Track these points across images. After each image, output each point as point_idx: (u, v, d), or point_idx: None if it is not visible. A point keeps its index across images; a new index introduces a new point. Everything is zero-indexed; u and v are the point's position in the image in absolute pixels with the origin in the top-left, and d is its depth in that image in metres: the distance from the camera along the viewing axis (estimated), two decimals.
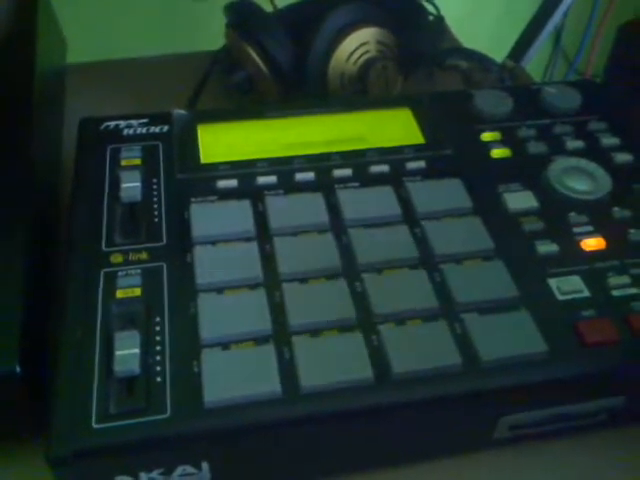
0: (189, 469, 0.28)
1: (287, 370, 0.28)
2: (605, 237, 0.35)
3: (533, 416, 0.30)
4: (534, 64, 0.95)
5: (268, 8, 0.52)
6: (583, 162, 0.38)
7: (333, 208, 0.35)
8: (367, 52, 0.49)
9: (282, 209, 0.35)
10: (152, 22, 0.67)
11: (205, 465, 0.28)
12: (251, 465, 0.29)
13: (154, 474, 0.27)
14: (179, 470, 0.28)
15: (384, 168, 0.38)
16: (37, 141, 0.38)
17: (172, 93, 0.51)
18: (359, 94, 0.49)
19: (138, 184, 0.36)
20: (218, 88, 0.53)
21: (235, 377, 0.28)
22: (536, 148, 0.39)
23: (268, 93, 0.50)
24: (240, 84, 0.50)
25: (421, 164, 0.38)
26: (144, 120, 0.40)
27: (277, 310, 0.31)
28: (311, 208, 0.35)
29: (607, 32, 0.98)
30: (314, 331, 0.30)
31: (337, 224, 0.35)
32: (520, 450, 0.32)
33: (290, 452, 0.29)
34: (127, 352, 0.28)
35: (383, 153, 0.39)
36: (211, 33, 0.54)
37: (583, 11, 1.04)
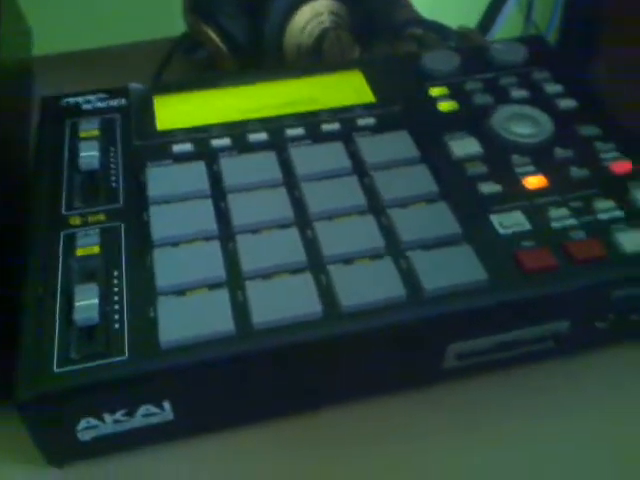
0: (152, 409, 0.29)
1: (240, 310, 0.30)
2: (547, 175, 0.36)
3: (480, 343, 0.32)
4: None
5: None
6: (526, 108, 0.40)
7: (285, 165, 0.37)
8: (321, 23, 0.50)
9: (236, 168, 0.36)
10: (120, 11, 0.69)
11: (167, 404, 0.29)
12: (212, 404, 0.30)
13: (118, 415, 0.29)
14: (142, 410, 0.29)
15: (335, 126, 0.39)
16: None
17: (142, 78, 0.52)
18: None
19: (96, 153, 0.37)
20: (181, 69, 0.54)
21: (190, 319, 0.29)
22: (482, 99, 0.41)
23: (229, 69, 0.51)
24: (201, 62, 0.52)
25: (371, 120, 0.39)
26: (102, 95, 0.41)
27: (231, 259, 0.32)
28: (264, 166, 0.37)
29: None
30: (266, 275, 0.31)
31: (289, 179, 0.36)
32: (472, 383, 0.33)
33: (246, 389, 0.30)
34: (86, 302, 0.30)
35: (334, 112, 0.40)
36: (179, 18, 0.56)
37: None
